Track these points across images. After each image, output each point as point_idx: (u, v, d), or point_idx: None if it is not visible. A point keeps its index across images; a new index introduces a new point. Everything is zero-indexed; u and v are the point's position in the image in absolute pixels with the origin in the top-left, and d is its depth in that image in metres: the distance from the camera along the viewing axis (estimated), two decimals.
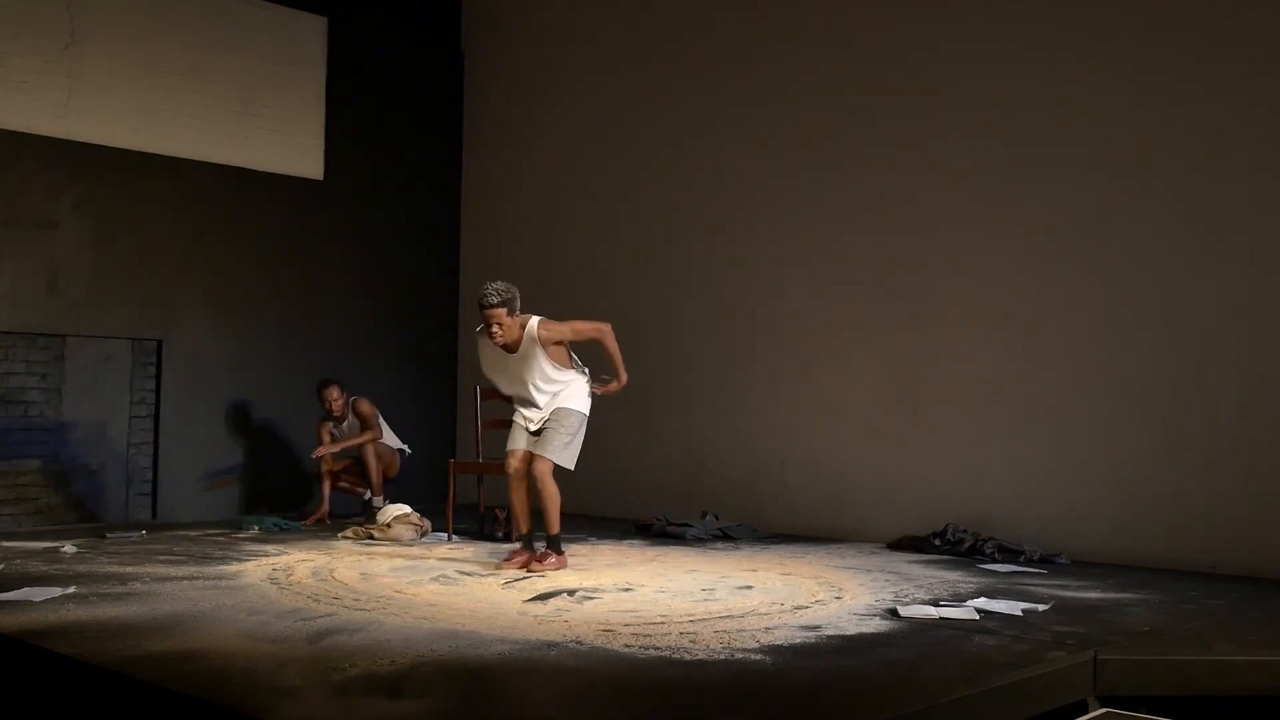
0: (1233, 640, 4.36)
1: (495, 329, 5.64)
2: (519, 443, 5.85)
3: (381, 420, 7.94)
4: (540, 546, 5.88)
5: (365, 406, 7.87)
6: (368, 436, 7.81)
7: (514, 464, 5.83)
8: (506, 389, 5.97)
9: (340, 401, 7.83)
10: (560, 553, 5.88)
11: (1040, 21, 6.83)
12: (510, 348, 5.74)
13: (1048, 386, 6.74)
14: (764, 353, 7.98)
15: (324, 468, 7.85)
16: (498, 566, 5.78)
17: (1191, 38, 6.32)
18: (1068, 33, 6.73)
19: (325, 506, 7.81)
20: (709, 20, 8.39)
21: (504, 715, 3.42)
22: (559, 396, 5.83)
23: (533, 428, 5.85)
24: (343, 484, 8.05)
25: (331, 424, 7.89)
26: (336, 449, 7.82)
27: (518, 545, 6.00)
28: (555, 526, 5.86)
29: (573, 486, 8.70)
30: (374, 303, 9.29)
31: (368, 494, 7.94)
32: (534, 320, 5.74)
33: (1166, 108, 6.38)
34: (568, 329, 5.80)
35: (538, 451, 5.78)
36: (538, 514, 5.86)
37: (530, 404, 5.85)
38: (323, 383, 7.89)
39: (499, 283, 5.69)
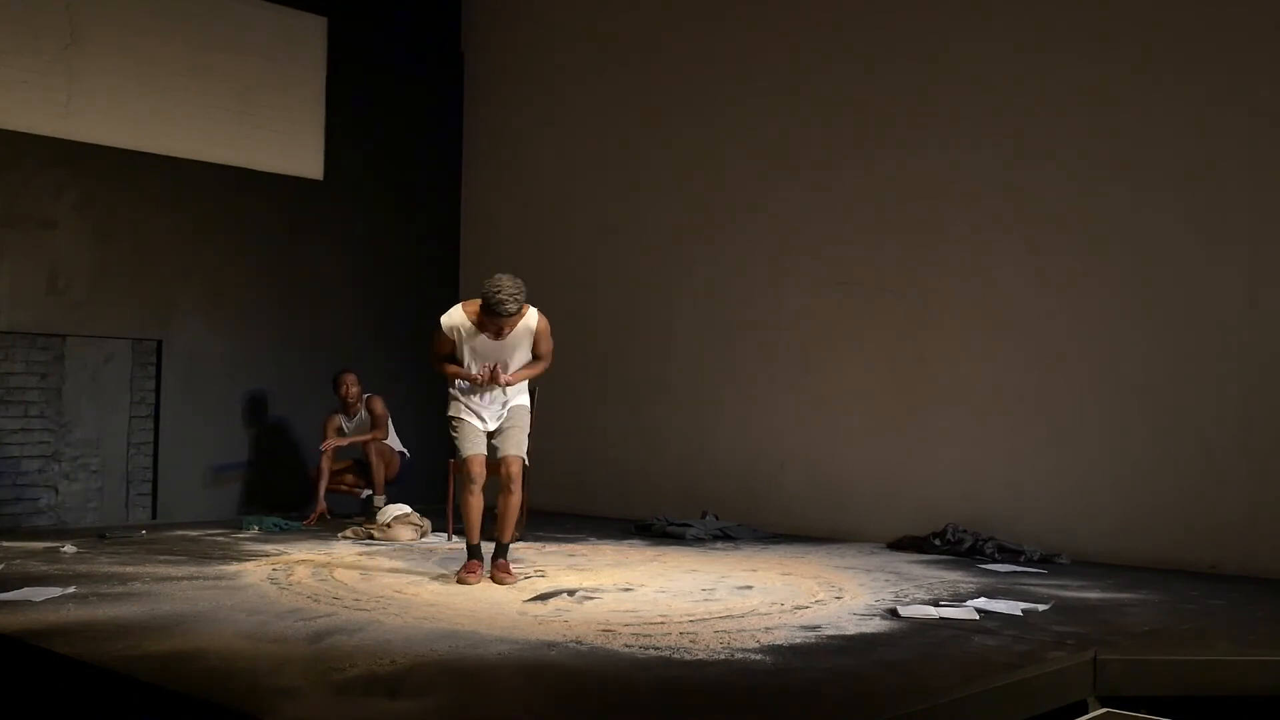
0: (1233, 640, 4.36)
1: (506, 331, 5.33)
2: (480, 446, 5.48)
3: (390, 422, 7.98)
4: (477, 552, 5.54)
5: (380, 405, 7.93)
6: (374, 434, 7.85)
7: (479, 469, 5.44)
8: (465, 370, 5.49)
9: (356, 390, 7.86)
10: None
11: (1040, 24, 6.83)
12: (502, 334, 5.39)
13: (1048, 386, 6.74)
14: (764, 353, 7.98)
15: (324, 464, 7.83)
16: (457, 579, 5.37)
17: (1191, 40, 6.32)
18: (1068, 35, 6.73)
19: (321, 505, 7.80)
20: (709, 21, 8.39)
21: (504, 715, 3.42)
22: (517, 393, 5.58)
23: (490, 428, 5.51)
24: (343, 486, 8.04)
25: (341, 418, 7.90)
26: (344, 443, 7.85)
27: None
28: (513, 532, 5.61)
29: (573, 486, 8.76)
30: (374, 303, 9.28)
31: (367, 492, 7.96)
32: (534, 310, 5.46)
33: (1166, 109, 6.38)
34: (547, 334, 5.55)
35: (513, 452, 5.46)
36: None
37: (490, 400, 5.49)
38: (341, 370, 7.93)
39: (509, 283, 5.19)
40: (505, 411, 5.53)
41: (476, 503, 5.45)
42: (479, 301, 5.34)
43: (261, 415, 8.65)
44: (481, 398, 5.52)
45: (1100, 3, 6.64)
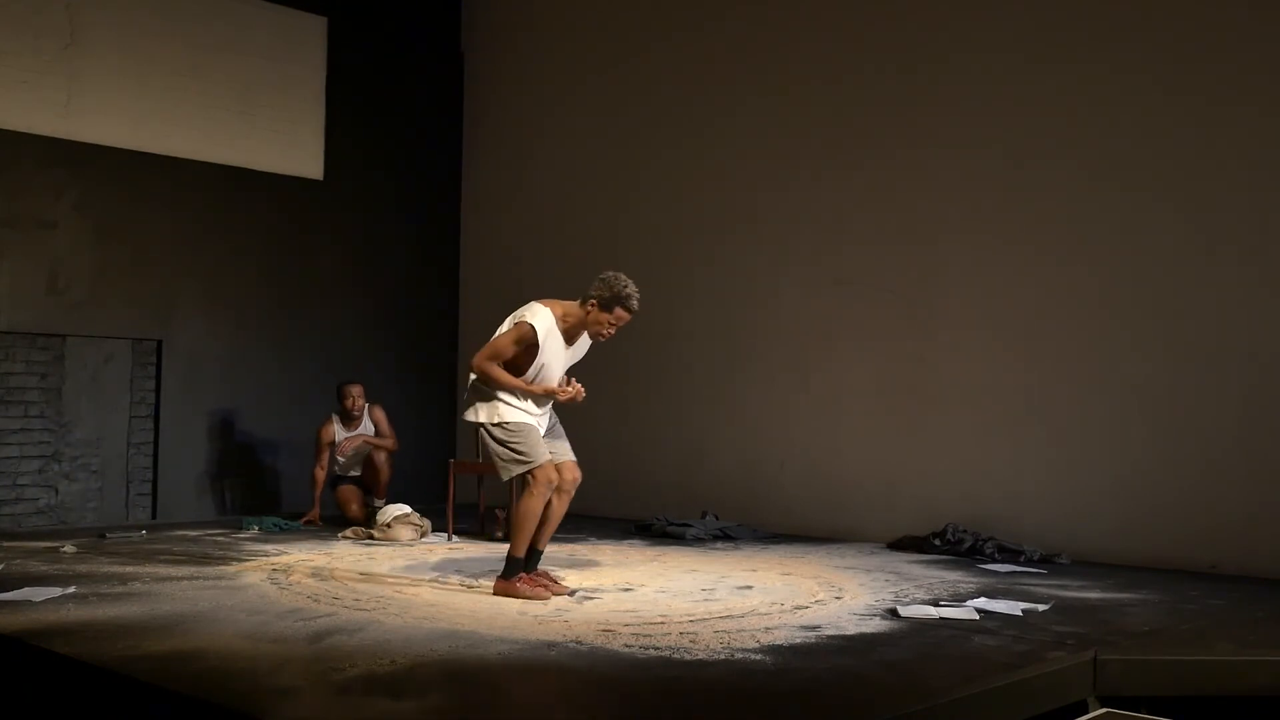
0: (1233, 640, 4.35)
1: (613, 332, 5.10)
2: (548, 452, 5.09)
3: None
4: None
5: (383, 414, 7.91)
6: (390, 443, 7.85)
7: (555, 475, 5.04)
8: (539, 384, 5.09)
9: (362, 403, 7.84)
10: None
11: (1039, 28, 6.83)
12: (570, 341, 5.15)
13: (1048, 386, 6.74)
14: (764, 353, 7.98)
15: (319, 472, 7.77)
16: (524, 595, 4.96)
17: (1189, 45, 6.32)
18: (1067, 38, 6.73)
19: (317, 509, 7.77)
20: (710, 22, 8.39)
21: (504, 715, 3.42)
22: None
23: (542, 431, 5.16)
24: (353, 506, 7.87)
25: (338, 426, 7.84)
26: (358, 443, 7.78)
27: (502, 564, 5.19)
28: None
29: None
30: (374, 303, 9.29)
31: (379, 502, 7.92)
32: None
33: (1164, 112, 6.38)
34: None
35: (573, 458, 5.17)
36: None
37: (548, 407, 5.19)
38: (348, 381, 7.90)
39: (628, 279, 5.05)
40: (548, 415, 5.22)
41: (542, 509, 5.04)
42: (560, 305, 5.10)
43: (261, 415, 8.65)
44: (541, 405, 5.13)
45: (1099, 6, 6.64)
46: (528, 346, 5.01)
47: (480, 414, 5.09)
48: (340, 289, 9.11)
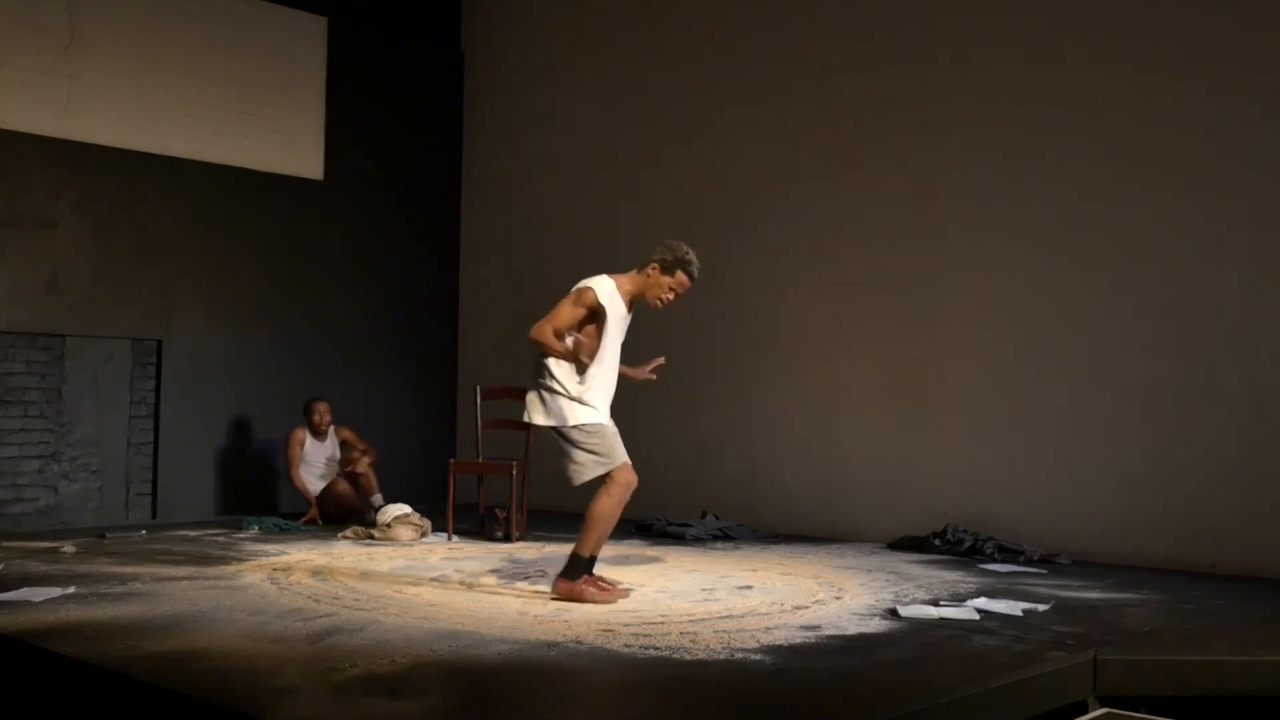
0: (1233, 640, 4.36)
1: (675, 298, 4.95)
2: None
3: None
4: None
5: (352, 432, 8.01)
6: (373, 457, 7.88)
7: (631, 475, 4.89)
8: (607, 368, 4.96)
9: (329, 419, 7.91)
10: None
11: (1042, 27, 6.84)
12: (629, 308, 5.00)
13: (1048, 386, 6.74)
14: (764, 353, 7.98)
15: (296, 472, 7.80)
16: (596, 600, 4.85)
17: (1189, 40, 6.33)
18: (1069, 38, 6.73)
19: (315, 508, 7.76)
20: (710, 21, 8.39)
21: (504, 715, 3.42)
22: None
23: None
24: (336, 493, 7.88)
25: (309, 437, 7.85)
26: (364, 463, 7.82)
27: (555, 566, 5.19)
28: None
29: (572, 486, 8.71)
30: (374, 303, 9.29)
31: (377, 498, 7.92)
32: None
33: (1165, 110, 6.38)
34: None
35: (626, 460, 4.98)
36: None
37: (608, 391, 4.97)
38: (316, 397, 7.98)
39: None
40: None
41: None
42: (613, 276, 4.97)
43: (261, 414, 8.64)
44: (608, 395, 4.97)
45: (1100, 5, 6.64)
46: (592, 313, 4.86)
47: (551, 418, 4.89)
48: (340, 289, 9.11)
